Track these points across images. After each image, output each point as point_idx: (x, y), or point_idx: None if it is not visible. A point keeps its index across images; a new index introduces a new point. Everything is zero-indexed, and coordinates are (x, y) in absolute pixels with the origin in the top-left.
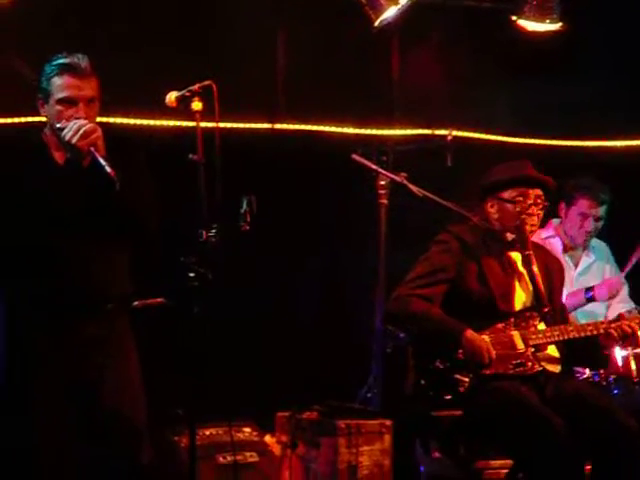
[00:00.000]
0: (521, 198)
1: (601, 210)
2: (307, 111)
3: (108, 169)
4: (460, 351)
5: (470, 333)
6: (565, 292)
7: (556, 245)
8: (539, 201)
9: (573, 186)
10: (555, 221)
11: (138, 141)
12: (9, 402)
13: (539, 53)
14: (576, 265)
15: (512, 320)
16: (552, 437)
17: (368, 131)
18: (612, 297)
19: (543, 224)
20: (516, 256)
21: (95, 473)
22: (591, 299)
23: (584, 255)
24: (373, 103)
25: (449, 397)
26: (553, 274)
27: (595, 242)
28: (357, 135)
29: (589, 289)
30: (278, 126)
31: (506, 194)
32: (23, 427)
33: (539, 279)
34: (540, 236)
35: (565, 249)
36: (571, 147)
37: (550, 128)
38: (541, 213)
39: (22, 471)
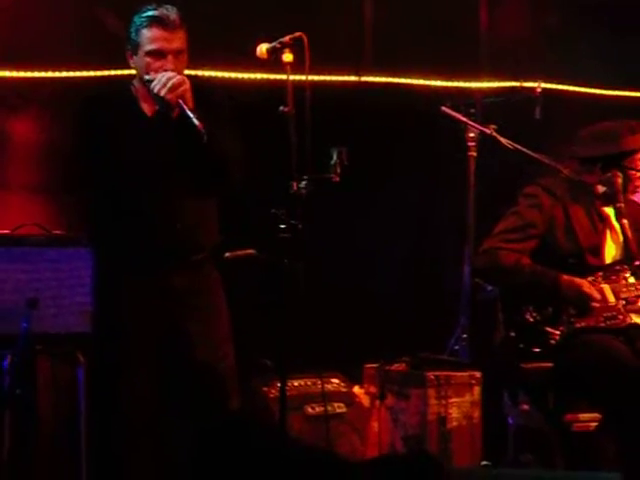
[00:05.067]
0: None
1: None
2: (394, 63)
3: (196, 121)
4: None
5: (566, 276)
6: None
7: None
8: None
9: None
10: None
11: (226, 92)
12: (100, 356)
13: (630, 4)
14: None
15: (602, 273)
16: None
17: (455, 83)
18: None
19: None
20: (609, 210)
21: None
22: None
23: None
24: (460, 55)
25: (539, 350)
26: None
27: None
28: (444, 87)
29: None
30: (365, 79)
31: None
32: (114, 382)
33: (629, 232)
34: None
35: None
36: None
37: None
38: None
39: (112, 427)
